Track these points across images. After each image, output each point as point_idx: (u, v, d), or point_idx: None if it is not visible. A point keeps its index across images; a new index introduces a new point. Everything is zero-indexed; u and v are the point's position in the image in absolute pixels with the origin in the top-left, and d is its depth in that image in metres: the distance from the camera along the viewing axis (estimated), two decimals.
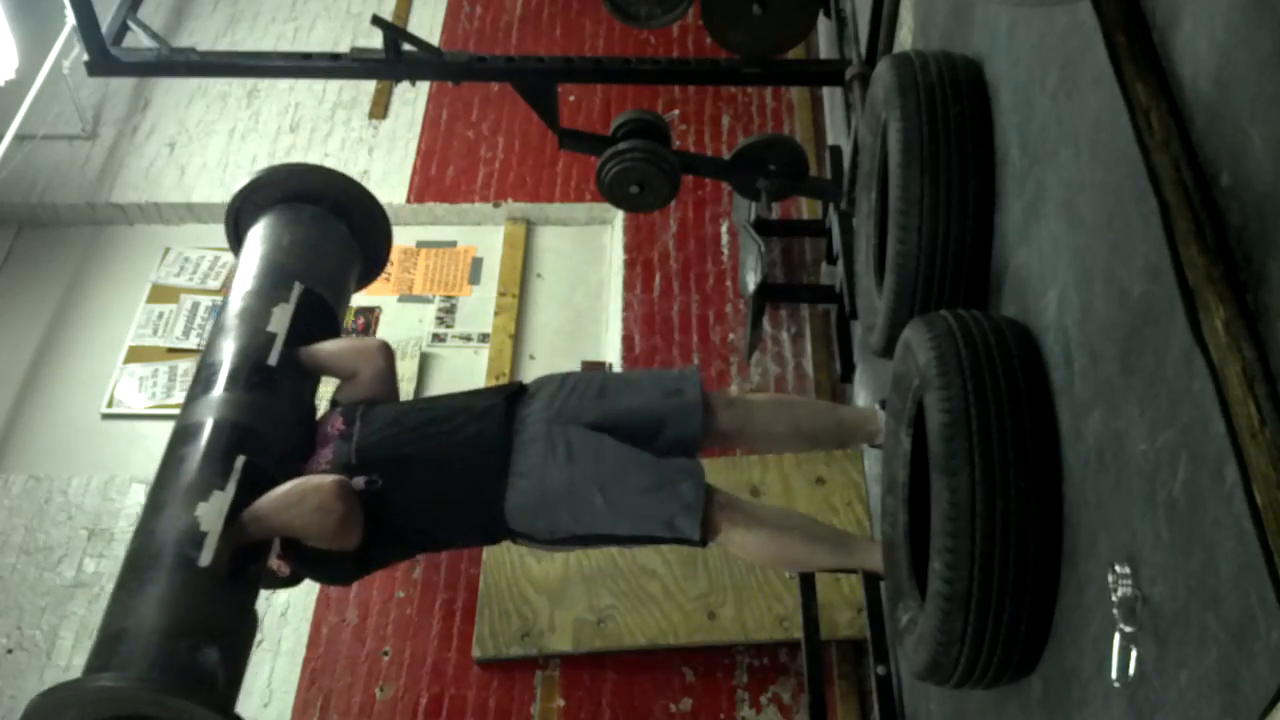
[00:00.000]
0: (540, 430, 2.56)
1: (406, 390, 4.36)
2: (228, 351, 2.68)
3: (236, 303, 2.81)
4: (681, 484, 2.51)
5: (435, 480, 2.55)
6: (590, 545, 2.76)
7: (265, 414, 2.59)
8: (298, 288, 2.80)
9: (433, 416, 2.66)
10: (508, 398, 2.65)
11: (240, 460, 2.44)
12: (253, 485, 2.43)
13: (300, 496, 2.40)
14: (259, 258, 2.91)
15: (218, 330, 2.79)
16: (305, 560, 2.54)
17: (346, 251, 3.07)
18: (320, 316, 2.84)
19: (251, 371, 2.63)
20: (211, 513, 2.35)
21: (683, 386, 2.70)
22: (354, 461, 2.53)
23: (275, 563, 2.53)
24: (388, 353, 2.80)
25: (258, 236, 2.99)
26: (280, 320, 2.73)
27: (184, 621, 2.24)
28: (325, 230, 3.02)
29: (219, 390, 2.60)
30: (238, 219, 3.11)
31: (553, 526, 2.55)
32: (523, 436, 2.56)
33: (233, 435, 2.52)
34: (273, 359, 2.65)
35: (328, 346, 2.78)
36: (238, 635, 2.36)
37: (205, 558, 2.28)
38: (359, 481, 2.48)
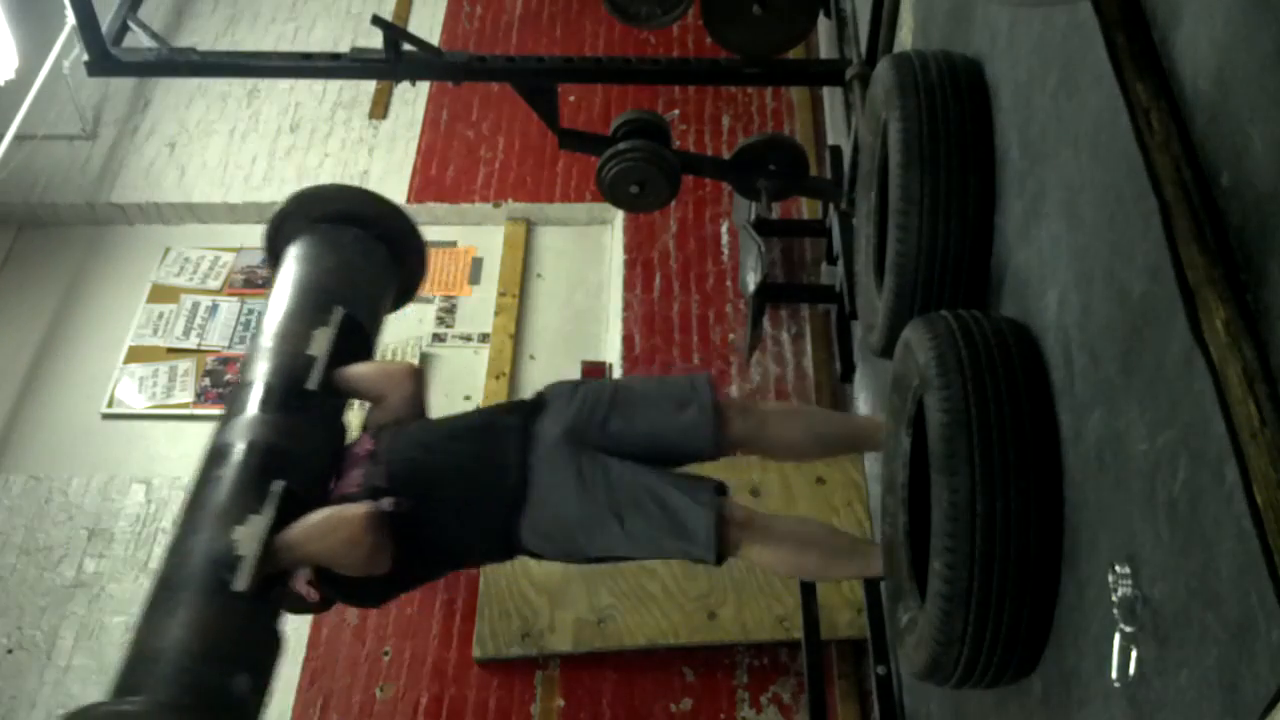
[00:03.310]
0: (552, 451, 2.55)
1: None
2: (265, 372, 2.66)
3: (275, 323, 2.78)
4: (696, 506, 2.50)
5: (459, 501, 2.55)
6: (606, 563, 2.76)
7: (301, 437, 2.57)
8: (339, 312, 2.77)
9: (454, 435, 2.66)
10: (525, 415, 2.65)
11: (279, 485, 2.41)
12: (287, 509, 2.41)
13: (332, 528, 2.37)
14: (300, 277, 2.88)
15: (255, 349, 2.76)
16: (336, 585, 2.53)
17: (385, 277, 3.05)
18: (356, 340, 2.82)
19: (288, 394, 2.61)
20: (249, 537, 2.32)
21: (693, 397, 2.68)
22: (384, 484, 2.52)
23: (305, 589, 2.51)
24: (417, 377, 2.78)
25: (298, 255, 2.95)
26: (321, 344, 2.70)
27: (216, 646, 2.22)
28: (368, 255, 2.99)
29: (255, 410, 2.57)
30: (279, 234, 3.05)
31: (567, 550, 2.55)
32: (536, 454, 2.55)
33: (268, 458, 2.49)
34: (313, 383, 2.63)
35: (357, 369, 2.75)
36: (267, 660, 2.34)
37: (241, 582, 2.25)
38: (387, 503, 2.47)
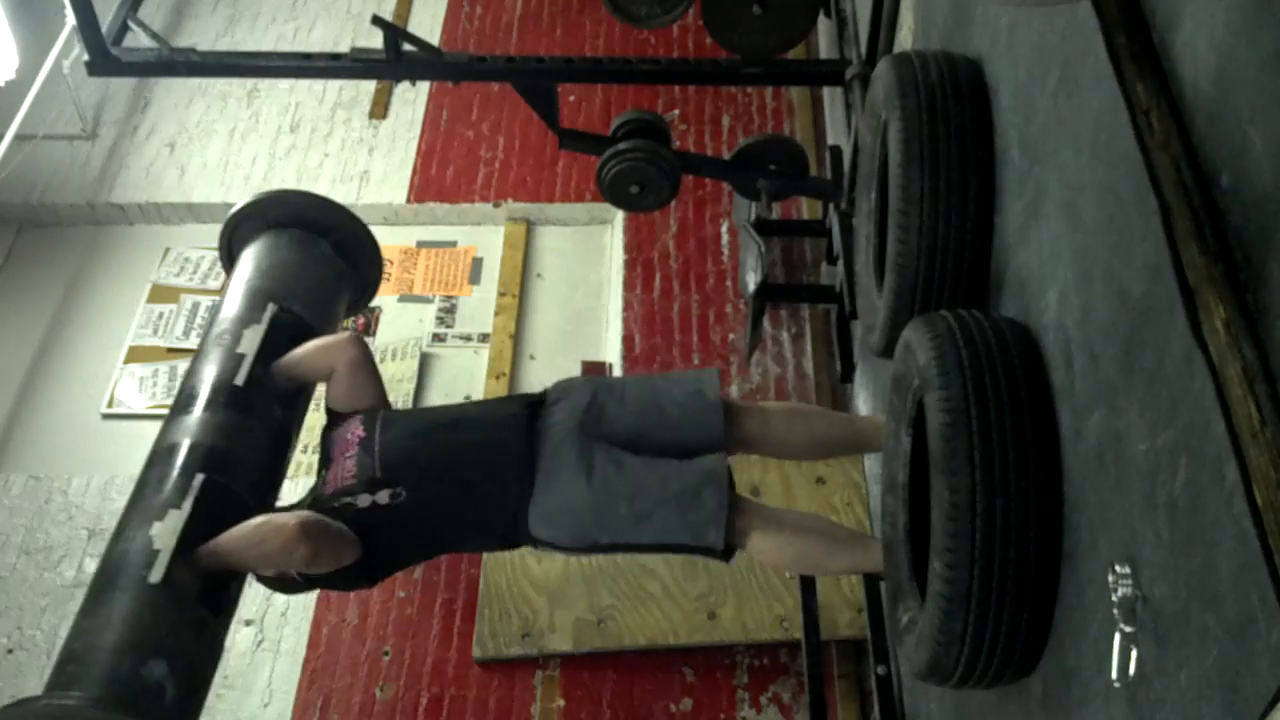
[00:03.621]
0: (563, 442, 2.56)
1: (407, 390, 4.37)
2: (203, 375, 2.73)
3: (216, 327, 2.87)
4: (704, 492, 2.51)
5: (457, 489, 2.55)
6: (615, 552, 2.77)
7: (236, 434, 2.61)
8: (270, 308, 2.83)
9: (454, 425, 2.66)
10: (528, 405, 2.65)
11: (198, 479, 2.45)
12: (216, 503, 2.44)
13: (260, 538, 2.36)
14: (240, 284, 2.97)
15: (197, 355, 2.84)
16: (311, 578, 2.53)
17: (329, 271, 3.08)
18: (299, 335, 2.83)
19: (221, 393, 2.66)
20: (165, 531, 2.36)
21: (702, 387, 2.70)
22: (379, 474, 2.52)
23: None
24: (358, 341, 2.76)
25: (241, 263, 3.06)
26: (250, 341, 2.75)
27: (132, 637, 2.24)
28: (304, 251, 3.04)
29: (194, 412, 2.64)
30: (230, 251, 3.17)
31: (577, 536, 2.55)
32: (545, 446, 2.56)
33: (201, 456, 2.54)
34: (239, 379, 2.67)
35: (294, 352, 2.76)
36: (192, 652, 2.32)
37: (155, 575, 2.28)
38: (384, 495, 2.47)
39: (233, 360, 2.72)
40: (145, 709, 2.17)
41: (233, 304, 2.91)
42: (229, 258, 3.15)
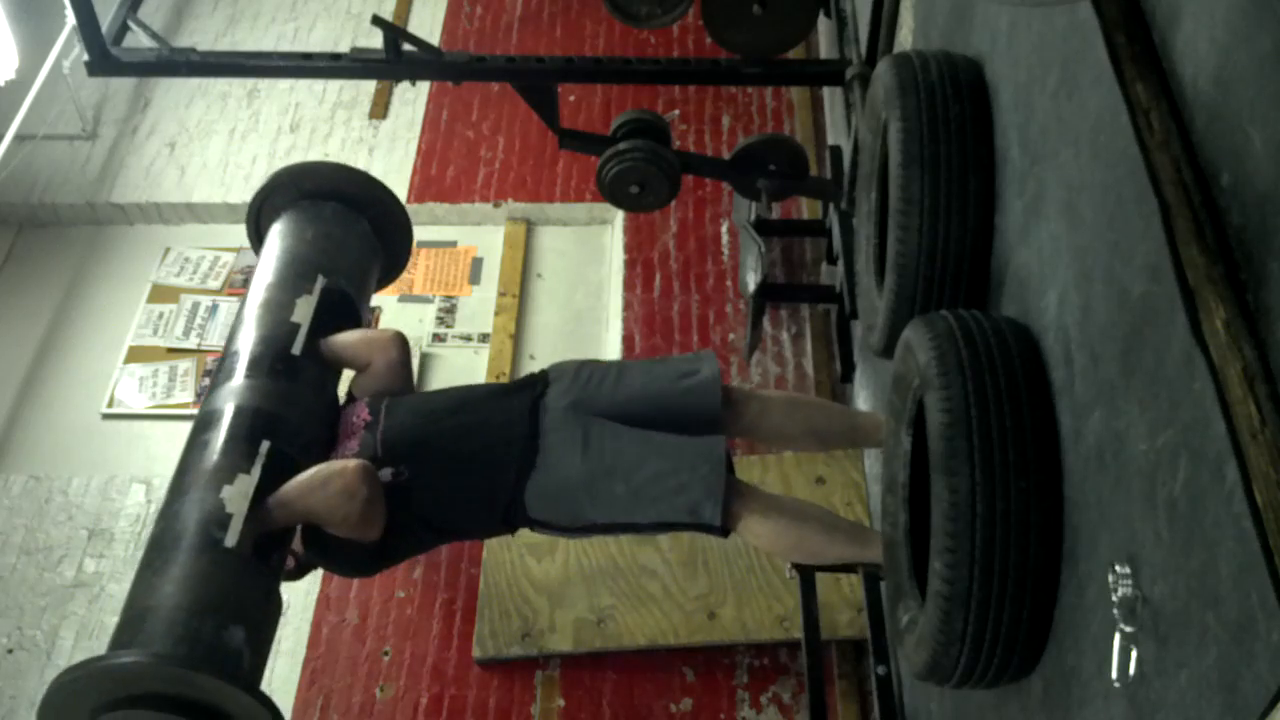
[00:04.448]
0: (559, 419, 2.58)
1: None
2: (250, 340, 2.71)
3: (259, 294, 2.84)
4: (701, 468, 2.51)
5: (460, 469, 2.56)
6: (612, 533, 2.77)
7: (289, 401, 2.62)
8: (320, 280, 2.84)
9: (457, 406, 2.68)
10: (531, 386, 2.67)
11: (265, 445, 2.46)
12: (277, 470, 2.45)
13: (325, 480, 2.41)
14: (281, 251, 2.94)
15: (239, 321, 2.82)
16: (327, 550, 2.55)
17: (367, 248, 3.10)
18: (342, 310, 2.88)
19: (275, 359, 2.66)
20: (236, 495, 2.36)
21: (699, 366, 2.71)
22: (380, 453, 2.54)
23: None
24: (402, 344, 2.83)
25: (279, 232, 3.02)
26: (304, 311, 2.77)
27: (209, 600, 2.24)
28: (347, 226, 3.05)
29: (241, 378, 2.62)
30: (259, 217, 3.13)
31: (574, 514, 2.55)
32: (545, 426, 2.58)
33: (256, 420, 2.54)
34: (297, 348, 2.68)
35: (342, 337, 2.81)
36: (263, 617, 2.36)
37: (231, 539, 2.29)
38: (386, 473, 2.50)
39: (285, 328, 2.72)
40: (229, 673, 2.17)
41: (276, 270, 2.89)
42: (258, 227, 3.13)
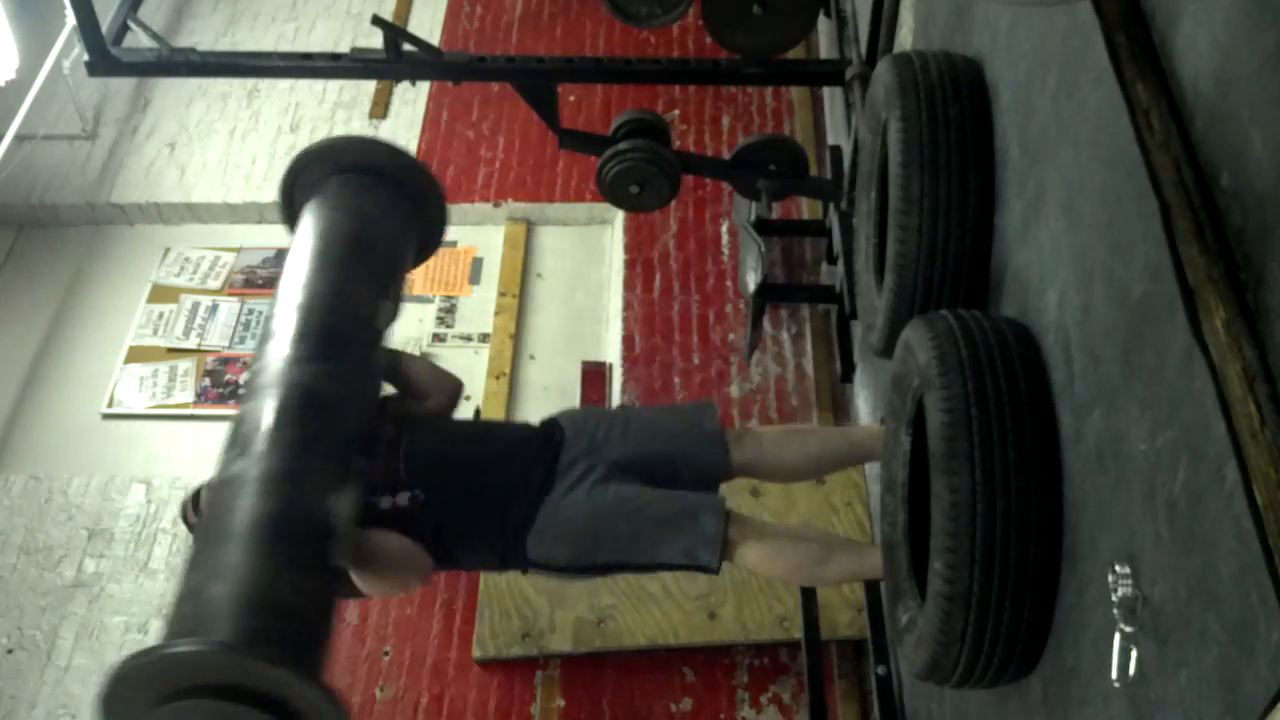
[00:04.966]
0: (569, 466, 2.62)
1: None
2: (316, 312, 2.54)
3: (320, 268, 2.66)
4: (702, 515, 2.54)
5: (471, 500, 2.58)
6: (608, 574, 2.78)
7: (359, 403, 2.51)
8: (398, 282, 2.79)
9: (484, 438, 2.71)
10: (551, 435, 2.69)
11: (359, 463, 2.35)
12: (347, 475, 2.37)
13: (415, 565, 2.43)
14: (330, 225, 2.77)
15: (293, 285, 2.62)
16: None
17: (410, 228, 3.01)
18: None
19: (340, 344, 2.51)
20: (345, 513, 2.25)
21: (702, 419, 2.74)
22: (403, 475, 2.53)
23: None
24: (460, 392, 2.84)
25: (323, 207, 2.84)
26: (385, 318, 2.66)
27: (281, 598, 2.16)
28: (391, 206, 2.93)
29: (302, 361, 2.44)
30: (291, 194, 2.92)
31: (573, 555, 2.57)
32: (557, 470, 2.62)
33: (344, 418, 2.41)
34: (376, 359, 2.59)
35: (419, 365, 2.81)
36: (326, 622, 2.31)
37: (335, 555, 2.19)
38: (404, 498, 2.49)
39: (348, 318, 2.58)
40: (306, 670, 2.13)
41: (337, 249, 2.72)
42: (290, 200, 2.98)
